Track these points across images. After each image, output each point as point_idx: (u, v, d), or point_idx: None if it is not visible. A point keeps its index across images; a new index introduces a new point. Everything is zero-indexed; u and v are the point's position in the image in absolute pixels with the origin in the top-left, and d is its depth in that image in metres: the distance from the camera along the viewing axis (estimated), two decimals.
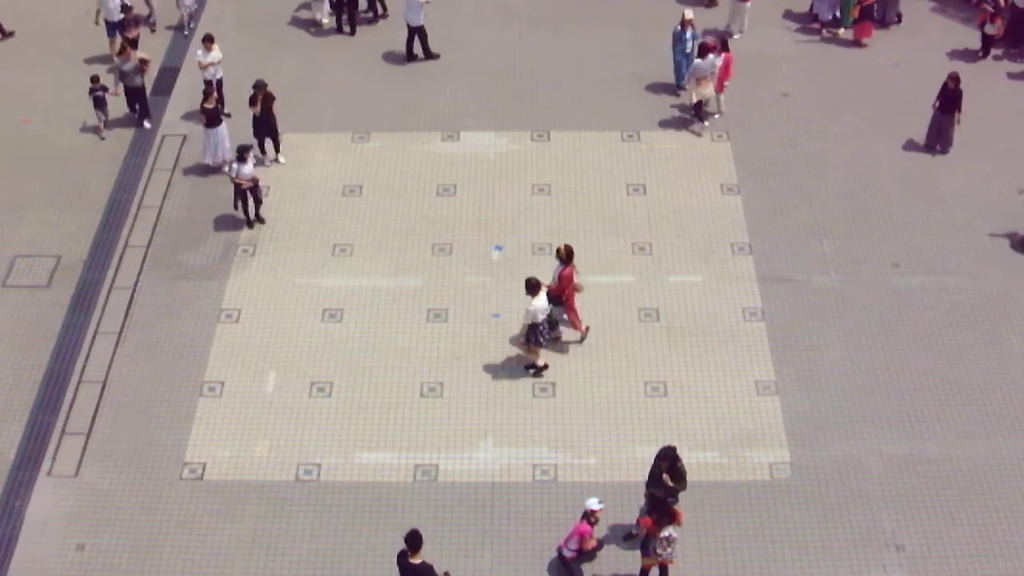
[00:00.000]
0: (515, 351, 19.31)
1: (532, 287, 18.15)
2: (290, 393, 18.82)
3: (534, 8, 27.24)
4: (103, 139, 23.14)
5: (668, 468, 16.00)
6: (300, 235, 21.48)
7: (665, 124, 23.90)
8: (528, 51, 25.94)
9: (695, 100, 23.56)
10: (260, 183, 21.37)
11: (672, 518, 15.37)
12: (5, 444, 18.10)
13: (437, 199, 22.22)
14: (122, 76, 23.29)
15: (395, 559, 15.33)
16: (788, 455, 17.90)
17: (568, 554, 16.14)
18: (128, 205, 22.11)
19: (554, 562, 16.45)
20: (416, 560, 15.06)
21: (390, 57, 25.74)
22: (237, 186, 20.97)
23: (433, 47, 25.60)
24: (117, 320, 19.97)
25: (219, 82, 23.49)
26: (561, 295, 18.84)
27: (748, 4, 25.99)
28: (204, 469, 17.76)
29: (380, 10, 26.82)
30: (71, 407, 18.63)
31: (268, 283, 20.55)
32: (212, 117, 22.02)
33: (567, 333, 19.45)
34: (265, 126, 22.40)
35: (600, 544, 16.51)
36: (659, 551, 15.42)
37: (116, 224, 21.71)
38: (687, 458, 16.74)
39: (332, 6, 26.44)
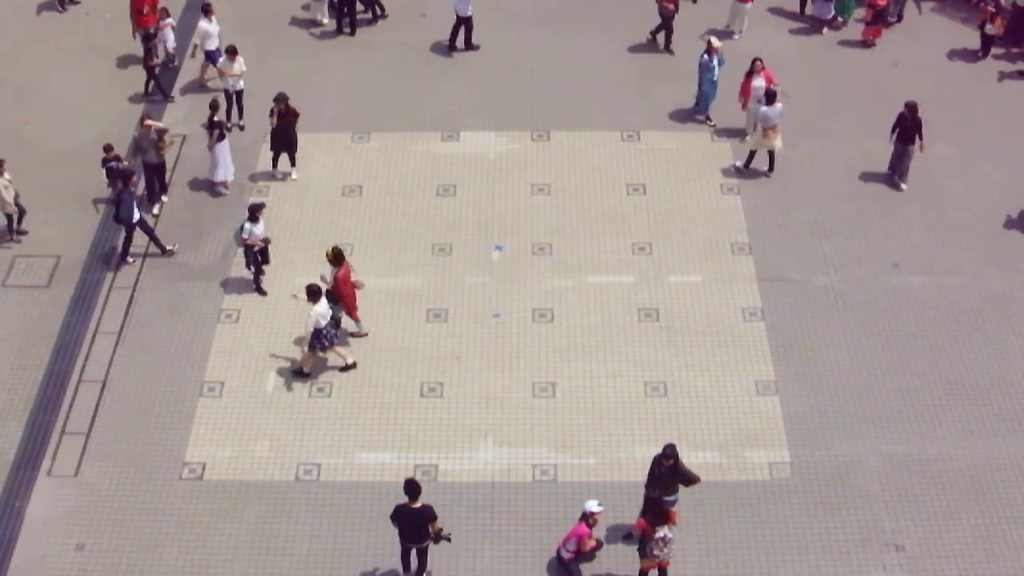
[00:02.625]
0: (515, 351, 19.33)
1: (313, 293, 18.13)
2: (290, 393, 18.82)
3: (534, 8, 27.24)
4: None
5: (672, 466, 15.97)
6: (300, 235, 21.47)
7: (665, 124, 23.89)
8: (528, 51, 25.93)
9: (755, 150, 22.44)
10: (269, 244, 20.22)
11: (666, 519, 15.37)
12: (5, 444, 18.09)
13: (437, 199, 22.22)
14: (138, 149, 21.55)
15: (389, 516, 15.59)
16: (788, 455, 17.89)
17: (566, 555, 16.12)
18: None
19: (553, 562, 16.44)
20: (416, 505, 15.33)
21: (390, 57, 25.74)
22: (248, 247, 19.88)
23: (433, 47, 25.63)
24: (117, 320, 19.97)
25: (238, 94, 23.35)
26: (340, 295, 18.84)
27: (748, 5, 25.99)
28: (204, 469, 17.76)
29: (379, 11, 26.83)
30: (71, 407, 18.63)
31: (268, 283, 20.52)
32: (219, 133, 21.51)
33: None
34: (284, 140, 22.06)
35: (600, 544, 16.51)
36: (656, 552, 15.42)
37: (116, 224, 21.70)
38: (687, 458, 16.73)
39: (332, 6, 26.45)
